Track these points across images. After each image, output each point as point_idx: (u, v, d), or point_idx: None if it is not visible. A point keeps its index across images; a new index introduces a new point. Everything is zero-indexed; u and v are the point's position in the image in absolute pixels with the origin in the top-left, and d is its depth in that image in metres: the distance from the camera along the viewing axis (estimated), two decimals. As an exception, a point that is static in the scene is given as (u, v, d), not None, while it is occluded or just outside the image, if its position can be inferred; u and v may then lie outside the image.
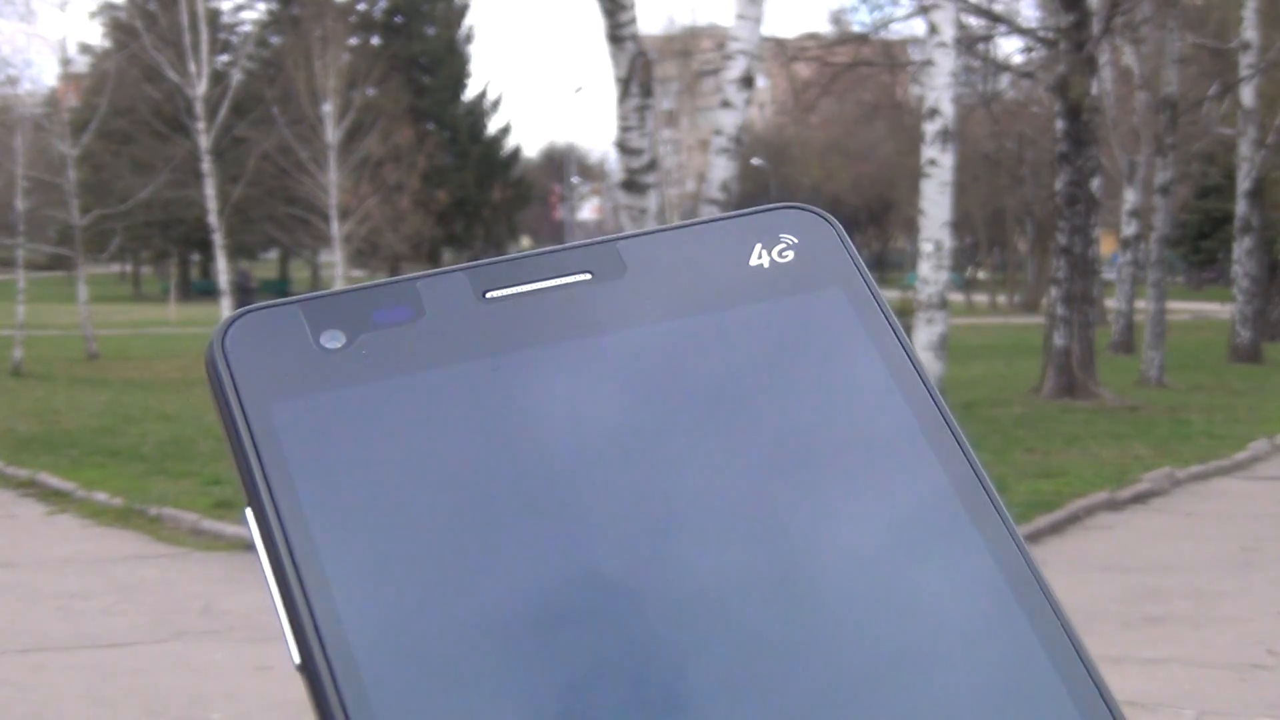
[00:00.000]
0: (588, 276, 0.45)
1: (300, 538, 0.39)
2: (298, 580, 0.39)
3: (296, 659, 0.38)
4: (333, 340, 0.43)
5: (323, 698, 0.37)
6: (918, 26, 27.75)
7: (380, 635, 0.38)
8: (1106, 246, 33.27)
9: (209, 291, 36.83)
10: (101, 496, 8.83)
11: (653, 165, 9.03)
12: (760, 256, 0.46)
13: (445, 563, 0.39)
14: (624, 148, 8.97)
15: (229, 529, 7.74)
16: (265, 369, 0.42)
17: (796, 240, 0.47)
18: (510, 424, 0.41)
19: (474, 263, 0.45)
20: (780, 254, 0.47)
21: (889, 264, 54.11)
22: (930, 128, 10.11)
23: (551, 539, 0.40)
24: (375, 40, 46.59)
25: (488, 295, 0.44)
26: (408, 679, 0.37)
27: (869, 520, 0.41)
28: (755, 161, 44.82)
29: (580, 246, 0.46)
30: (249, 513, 0.40)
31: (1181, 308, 32.06)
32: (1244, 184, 20.06)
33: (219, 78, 24.11)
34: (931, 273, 10.05)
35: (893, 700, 0.38)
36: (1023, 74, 21.60)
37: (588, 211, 61.62)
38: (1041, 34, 17.84)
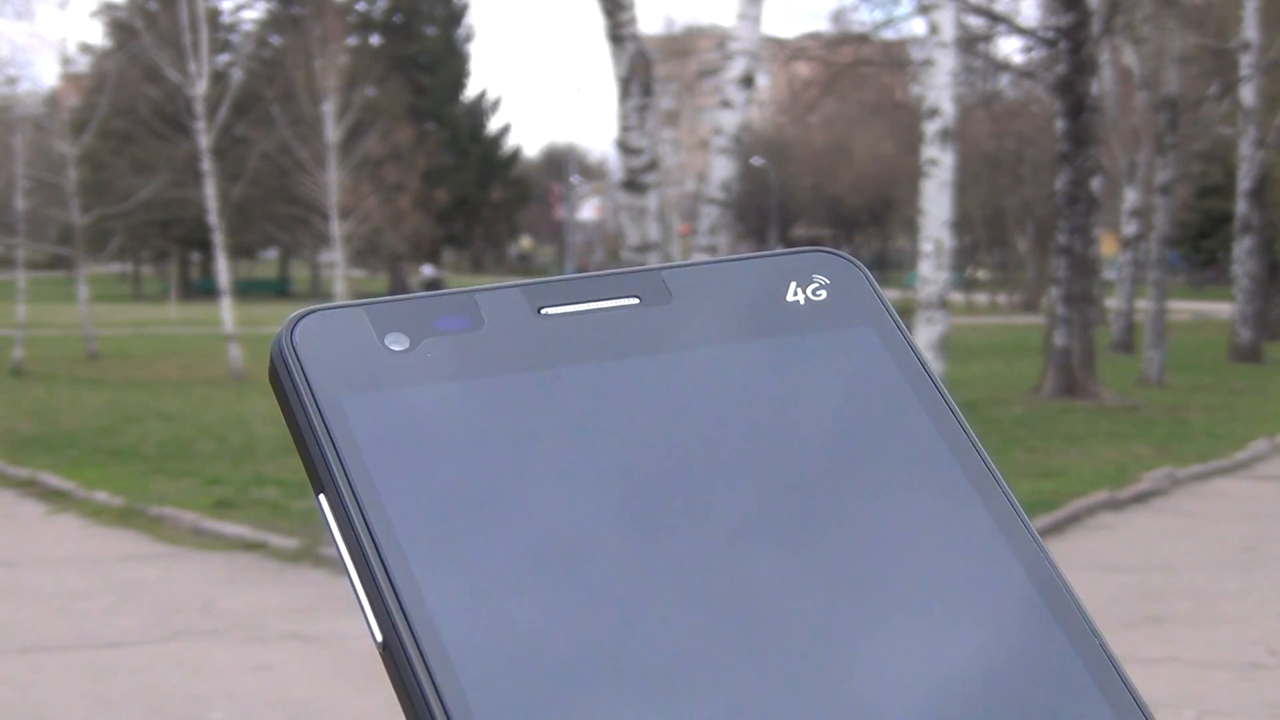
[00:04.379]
0: (636, 301, 0.48)
1: (378, 519, 0.40)
2: (378, 557, 0.40)
3: (378, 636, 0.39)
4: (397, 343, 0.45)
5: (409, 675, 0.38)
6: (918, 26, 27.76)
7: (464, 614, 0.39)
8: (1107, 246, 33.26)
9: (209, 291, 36.83)
10: (101, 496, 8.83)
11: (653, 165, 9.03)
12: (795, 294, 0.49)
13: (520, 551, 0.41)
14: (624, 147, 8.97)
15: (229, 529, 7.73)
16: (334, 364, 0.44)
17: (828, 281, 0.50)
18: (569, 429, 0.44)
19: (527, 281, 0.48)
20: (814, 292, 0.49)
21: (889, 264, 54.09)
22: (930, 127, 10.11)
23: (615, 534, 0.42)
24: (375, 40, 46.62)
25: (542, 311, 0.47)
26: (494, 657, 0.38)
27: (907, 552, 0.43)
28: (755, 161, 44.81)
29: (628, 272, 0.49)
30: (322, 499, 0.42)
31: (1182, 307, 32.07)
32: (1244, 184, 20.07)
33: (219, 77, 24.14)
34: (932, 272, 10.05)
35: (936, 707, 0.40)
36: (1023, 74, 21.60)
37: (588, 211, 61.62)
38: (1041, 34, 17.83)
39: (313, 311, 0.45)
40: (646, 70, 8.94)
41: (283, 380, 0.44)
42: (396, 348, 0.44)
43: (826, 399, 0.46)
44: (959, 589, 0.43)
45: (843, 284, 0.50)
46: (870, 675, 0.40)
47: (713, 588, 0.41)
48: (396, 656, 0.38)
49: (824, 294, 0.49)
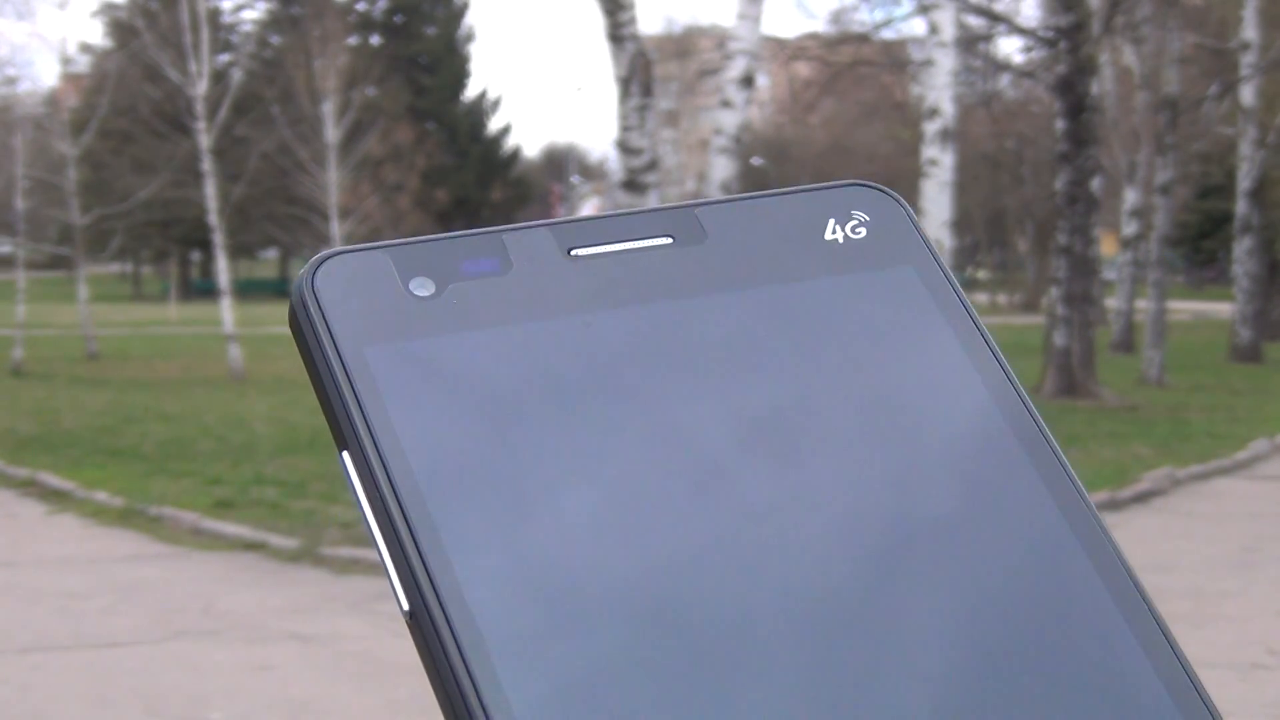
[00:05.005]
0: (669, 240, 0.46)
1: (404, 480, 0.39)
2: (405, 522, 0.38)
3: (405, 605, 0.38)
4: (422, 288, 0.43)
5: (437, 645, 0.37)
6: (918, 26, 27.75)
7: (494, 581, 0.37)
8: (1107, 246, 33.26)
9: (209, 291, 36.84)
10: (102, 496, 8.83)
11: (653, 165, 9.03)
12: (834, 231, 0.47)
13: (553, 513, 0.39)
14: (624, 147, 8.97)
15: (229, 529, 7.73)
16: (356, 312, 0.42)
17: (868, 218, 0.48)
18: (603, 379, 0.42)
19: (557, 220, 0.46)
20: (853, 230, 0.47)
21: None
22: (930, 127, 10.12)
23: (658, 494, 0.40)
24: (375, 40, 46.61)
25: (573, 253, 0.45)
26: (524, 626, 0.37)
27: (952, 499, 0.42)
28: (755, 161, 44.80)
29: (660, 210, 0.46)
30: (345, 456, 0.40)
31: (1182, 307, 32.06)
32: (1244, 184, 20.06)
33: (219, 77, 24.12)
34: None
35: (1000, 683, 0.39)
36: (1023, 74, 21.60)
37: (588, 211, 61.56)
38: (1041, 34, 17.83)
39: (335, 254, 0.43)
40: (646, 70, 8.94)
41: (304, 328, 0.42)
42: (422, 293, 0.43)
43: (868, 346, 0.44)
44: (1004, 542, 0.41)
45: (883, 221, 0.48)
46: (920, 632, 0.39)
47: (758, 549, 0.39)
48: (424, 626, 0.37)
49: (864, 231, 0.47)
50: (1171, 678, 0.40)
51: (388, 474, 0.39)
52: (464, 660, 0.36)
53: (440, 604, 0.37)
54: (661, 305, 0.44)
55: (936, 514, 0.41)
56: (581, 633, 0.37)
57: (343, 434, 0.40)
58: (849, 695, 0.37)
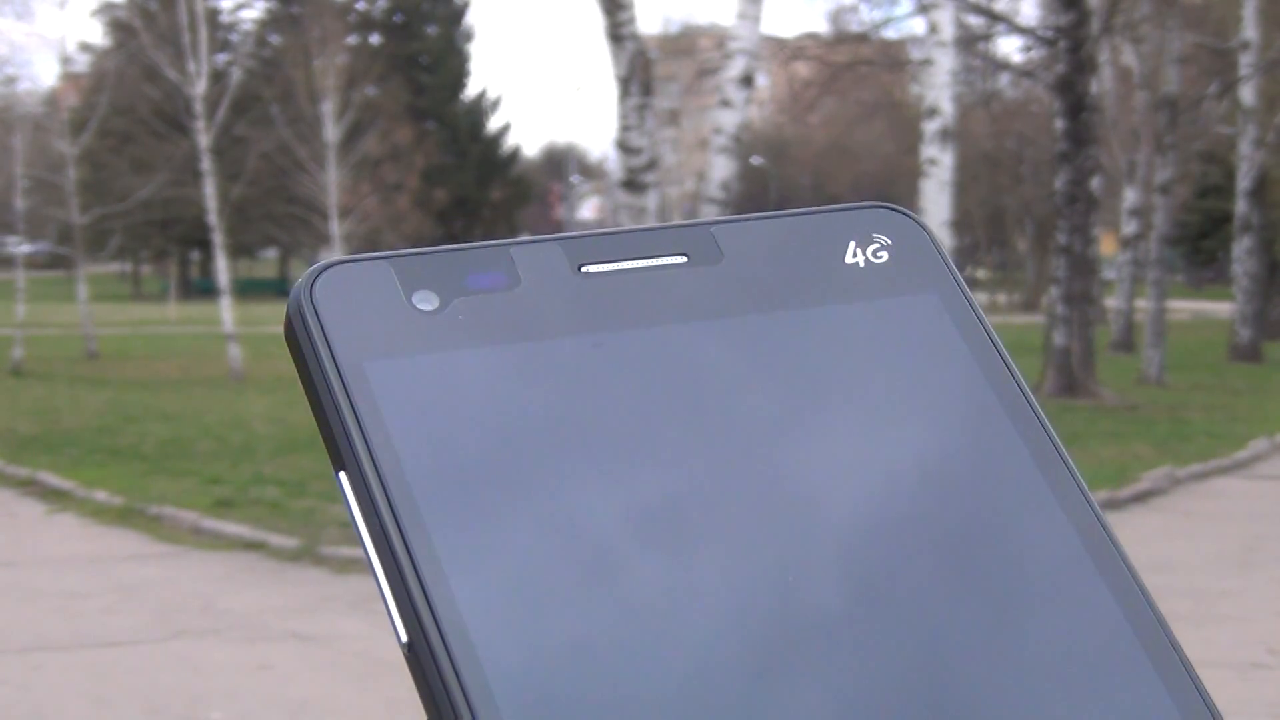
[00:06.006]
0: (683, 259, 0.44)
1: (404, 504, 0.37)
2: (405, 548, 0.36)
3: (403, 637, 0.36)
4: (426, 301, 0.41)
5: (436, 680, 0.35)
6: (917, 26, 27.75)
7: (496, 612, 0.36)
8: (1107, 246, 33.26)
9: (209, 291, 36.82)
10: (101, 496, 8.82)
11: (653, 164, 9.03)
12: (855, 255, 0.46)
13: (558, 541, 0.37)
14: (624, 147, 8.97)
15: (229, 528, 7.73)
16: (356, 325, 0.40)
17: (890, 241, 0.46)
18: (612, 403, 0.40)
19: (568, 234, 0.44)
20: (875, 254, 0.46)
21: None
22: (930, 127, 10.11)
23: (667, 523, 0.39)
24: (375, 39, 46.59)
25: (583, 269, 0.43)
26: (529, 661, 0.35)
27: (973, 530, 0.41)
28: (755, 160, 44.81)
29: (675, 227, 0.45)
30: (343, 477, 0.38)
31: (1182, 307, 32.06)
32: (1244, 183, 20.06)
33: (218, 77, 24.12)
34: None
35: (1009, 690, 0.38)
36: (1022, 73, 21.59)
37: (587, 211, 61.64)
38: (1041, 33, 17.83)
39: (335, 264, 0.41)
40: (646, 70, 8.94)
41: (300, 341, 0.40)
42: (425, 307, 0.41)
43: (888, 375, 0.43)
44: (1022, 570, 0.40)
45: (905, 244, 0.46)
46: (934, 648, 0.38)
47: (767, 583, 0.38)
48: (423, 658, 0.35)
49: (885, 255, 0.46)
50: (1171, 677, 0.39)
51: (387, 496, 0.37)
52: (465, 696, 0.35)
53: (441, 636, 0.35)
54: (675, 327, 0.42)
55: (957, 544, 0.40)
56: (590, 668, 0.36)
57: (340, 453, 0.38)
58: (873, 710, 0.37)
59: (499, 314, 0.41)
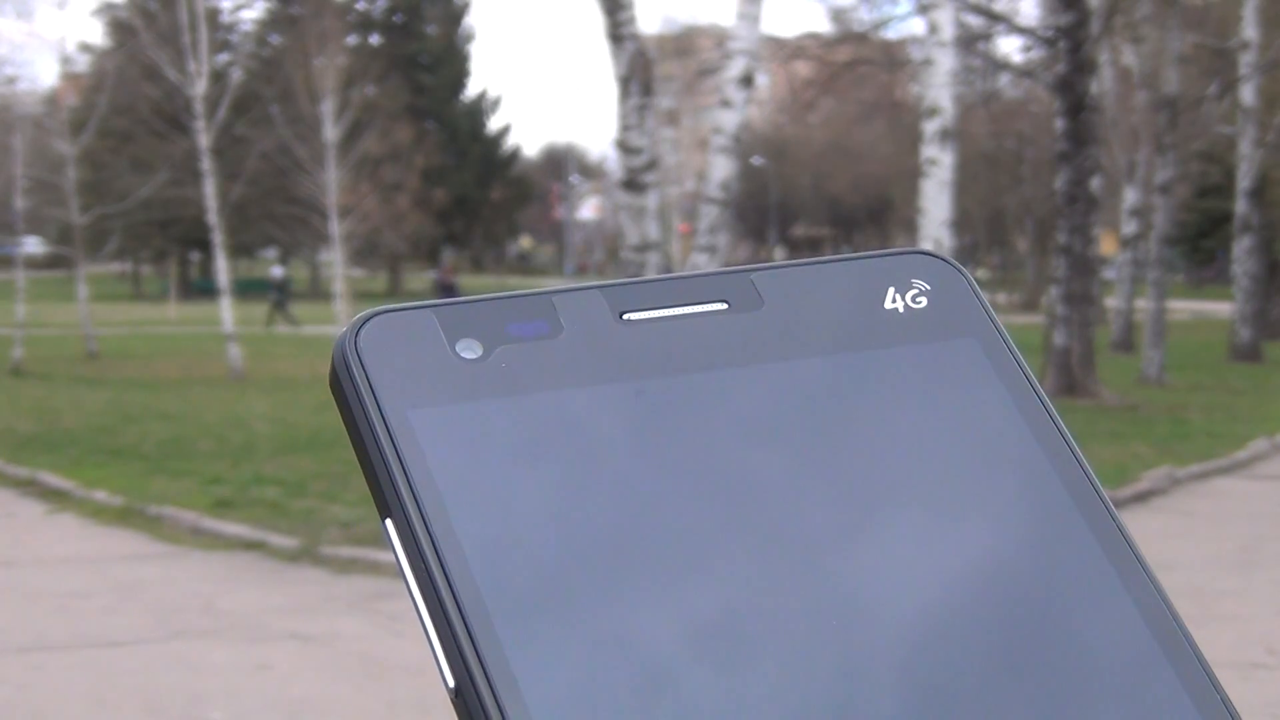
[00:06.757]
0: (724, 306, 0.45)
1: (451, 551, 0.37)
2: (451, 595, 0.37)
3: (450, 683, 0.36)
4: (469, 350, 0.42)
5: None
6: (917, 25, 27.75)
7: (545, 660, 0.36)
8: (1107, 245, 33.27)
9: (208, 290, 36.81)
10: (101, 496, 8.82)
11: (653, 164, 9.03)
12: (894, 300, 0.46)
13: (606, 589, 0.38)
14: (624, 147, 8.97)
15: (229, 528, 7.73)
16: (401, 374, 0.41)
17: (929, 286, 0.47)
18: (656, 449, 0.41)
19: (608, 282, 0.45)
20: (914, 300, 0.46)
21: (889, 263, 53.86)
22: (930, 126, 10.11)
23: (712, 569, 0.39)
24: (374, 39, 46.60)
25: (625, 317, 0.44)
26: (577, 711, 0.36)
27: (1014, 574, 0.41)
28: (755, 160, 44.81)
29: (714, 275, 0.45)
30: (389, 524, 0.39)
31: (1182, 307, 32.06)
32: (1244, 183, 20.07)
33: (218, 76, 24.13)
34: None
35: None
36: (1022, 73, 21.59)
37: (587, 211, 61.66)
38: (1041, 33, 17.82)
39: (379, 313, 0.42)
40: (646, 70, 8.94)
41: (345, 390, 0.40)
42: (469, 355, 0.41)
43: (928, 421, 0.43)
44: (1069, 621, 0.40)
45: (944, 290, 0.46)
46: (975, 694, 0.38)
47: (815, 630, 0.38)
48: (470, 705, 0.36)
49: (924, 301, 0.46)
50: (1192, 680, 0.40)
51: (433, 543, 0.38)
52: None
53: (489, 681, 0.36)
54: (716, 374, 0.43)
55: (997, 588, 0.40)
56: (632, 712, 0.36)
57: (385, 500, 0.39)
58: None
59: (542, 361, 0.42)
